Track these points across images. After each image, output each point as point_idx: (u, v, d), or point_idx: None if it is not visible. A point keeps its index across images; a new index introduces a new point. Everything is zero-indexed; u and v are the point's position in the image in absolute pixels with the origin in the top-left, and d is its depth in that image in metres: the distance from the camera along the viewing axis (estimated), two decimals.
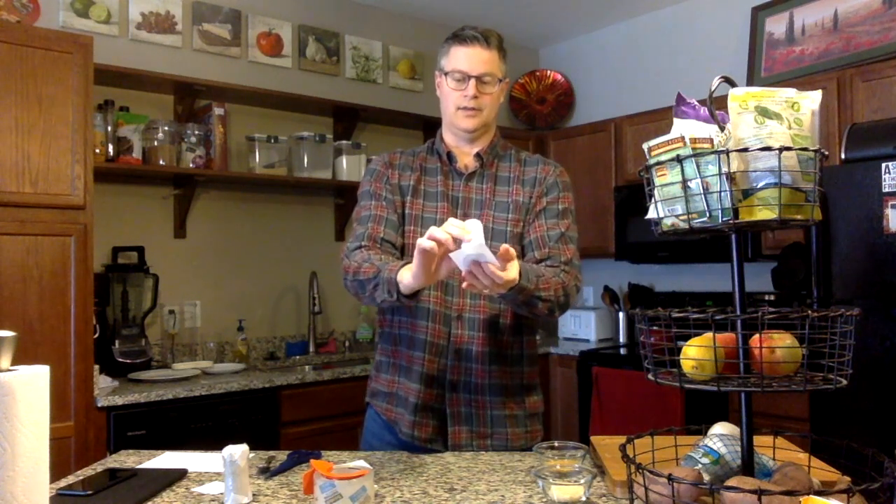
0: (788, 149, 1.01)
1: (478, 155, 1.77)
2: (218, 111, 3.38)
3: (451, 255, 1.35)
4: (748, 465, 1.11)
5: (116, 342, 3.05)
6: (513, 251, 1.38)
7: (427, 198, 1.76)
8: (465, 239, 1.32)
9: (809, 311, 1.00)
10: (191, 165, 3.32)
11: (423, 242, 1.34)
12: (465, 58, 1.70)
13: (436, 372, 1.69)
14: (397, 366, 1.76)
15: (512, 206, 1.74)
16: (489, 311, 1.70)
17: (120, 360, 3.02)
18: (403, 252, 1.74)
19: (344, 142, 3.84)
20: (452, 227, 1.34)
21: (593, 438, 1.57)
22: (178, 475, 1.47)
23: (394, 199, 1.75)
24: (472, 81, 1.69)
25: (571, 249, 1.71)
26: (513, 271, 1.39)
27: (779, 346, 1.05)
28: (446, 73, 1.73)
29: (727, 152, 1.02)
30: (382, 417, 1.78)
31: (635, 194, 3.89)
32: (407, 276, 1.45)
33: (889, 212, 2.52)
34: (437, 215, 1.73)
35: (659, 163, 1.11)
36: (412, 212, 1.76)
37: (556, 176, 1.78)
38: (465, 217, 1.72)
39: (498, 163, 1.79)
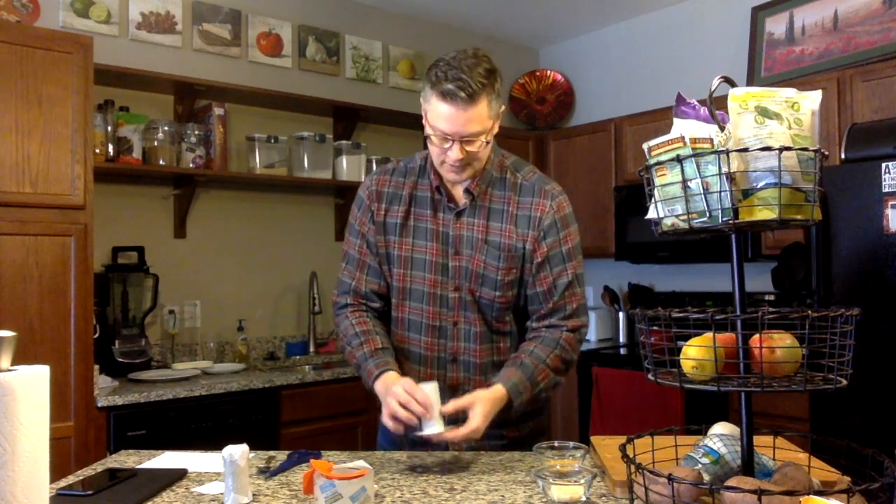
0: (788, 149, 1.01)
1: (468, 191, 1.65)
2: (218, 111, 3.38)
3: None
4: (748, 465, 1.11)
5: (116, 342, 3.05)
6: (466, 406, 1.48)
7: (417, 236, 1.67)
8: (426, 416, 1.45)
9: (809, 311, 1.00)
10: (191, 165, 3.32)
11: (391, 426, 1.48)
12: (447, 119, 1.50)
13: None
14: None
15: (503, 252, 1.63)
16: (485, 356, 1.68)
17: (120, 360, 3.02)
18: (390, 293, 1.71)
19: (344, 142, 3.84)
20: (413, 406, 1.44)
21: (593, 438, 1.57)
22: (178, 475, 1.47)
23: (376, 240, 1.69)
24: (457, 145, 1.52)
25: (578, 295, 1.66)
26: (475, 419, 1.46)
27: (779, 346, 1.05)
28: (428, 133, 1.56)
29: (727, 152, 1.02)
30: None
31: (635, 194, 3.89)
32: (380, 389, 1.56)
33: (889, 212, 2.52)
34: (427, 256, 1.65)
35: (659, 163, 1.11)
36: (401, 253, 1.67)
37: (553, 214, 1.64)
38: (456, 255, 1.65)
39: (491, 191, 1.66)
